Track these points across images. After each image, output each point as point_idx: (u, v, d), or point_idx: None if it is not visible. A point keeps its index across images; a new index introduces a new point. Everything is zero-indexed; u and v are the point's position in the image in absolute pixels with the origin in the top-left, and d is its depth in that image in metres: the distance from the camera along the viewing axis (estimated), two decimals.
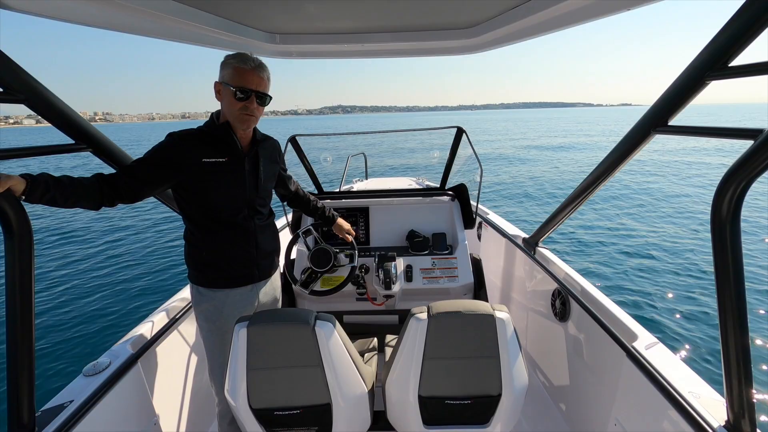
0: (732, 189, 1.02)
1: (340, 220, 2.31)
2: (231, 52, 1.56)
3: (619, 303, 1.97)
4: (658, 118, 1.38)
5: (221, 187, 1.61)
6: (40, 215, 11.08)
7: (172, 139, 1.55)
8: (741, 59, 1.07)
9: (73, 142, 1.49)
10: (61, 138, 1.48)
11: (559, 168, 20.70)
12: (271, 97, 1.62)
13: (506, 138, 42.78)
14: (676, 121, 1.34)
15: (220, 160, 1.59)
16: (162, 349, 1.87)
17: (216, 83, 1.57)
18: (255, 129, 1.71)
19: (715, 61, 1.10)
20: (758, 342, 4.78)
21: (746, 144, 0.98)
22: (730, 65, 1.08)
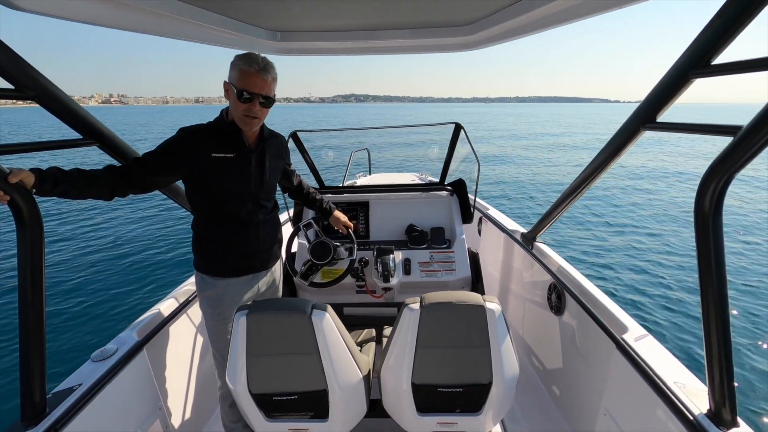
0: (713, 184, 1.05)
1: (337, 213, 2.37)
2: (233, 50, 1.60)
3: (612, 295, 2.02)
4: (646, 115, 1.41)
5: (227, 182, 1.66)
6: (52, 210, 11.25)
7: (184, 133, 1.61)
8: (724, 57, 1.10)
9: (80, 137, 1.55)
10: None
11: (561, 165, 20.71)
12: (275, 100, 1.66)
13: (512, 134, 42.58)
14: (663, 117, 1.37)
15: (228, 155, 1.64)
16: (167, 337, 1.94)
17: (225, 82, 1.62)
18: (263, 127, 1.76)
19: (699, 60, 1.13)
20: (739, 333, 4.92)
21: (727, 140, 1.02)
22: (712, 63, 1.11)
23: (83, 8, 1.33)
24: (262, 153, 1.76)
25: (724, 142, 1.03)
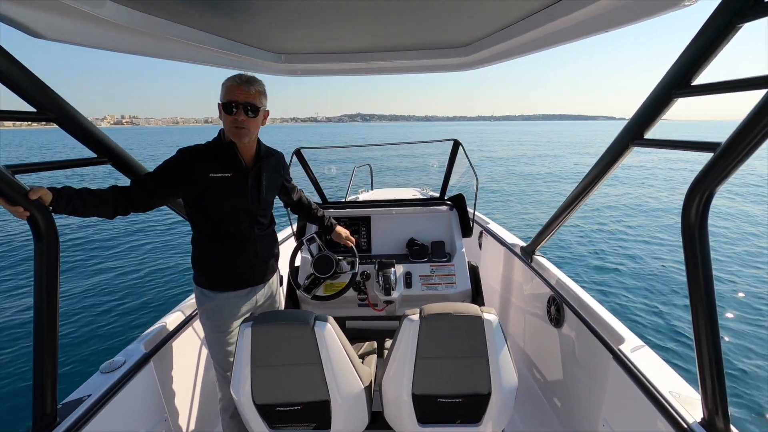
0: (698, 198, 1.10)
1: (339, 228, 2.42)
2: (241, 72, 1.69)
3: (609, 306, 2.05)
4: (635, 132, 1.47)
5: (225, 200, 1.72)
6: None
7: (182, 155, 1.67)
8: (704, 78, 1.16)
9: (95, 155, 1.62)
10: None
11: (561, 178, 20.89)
12: (259, 109, 1.68)
13: (515, 152, 42.86)
14: (650, 134, 1.43)
15: (226, 175, 1.70)
16: (173, 349, 1.98)
17: (218, 104, 1.70)
18: (260, 144, 1.82)
19: (680, 80, 1.19)
20: (728, 340, 4.97)
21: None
22: (693, 84, 1.17)
23: (100, 36, 1.42)
24: (259, 171, 1.80)
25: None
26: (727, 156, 1.00)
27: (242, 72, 1.68)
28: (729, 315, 5.58)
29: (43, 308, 1.27)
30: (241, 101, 1.62)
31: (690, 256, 1.15)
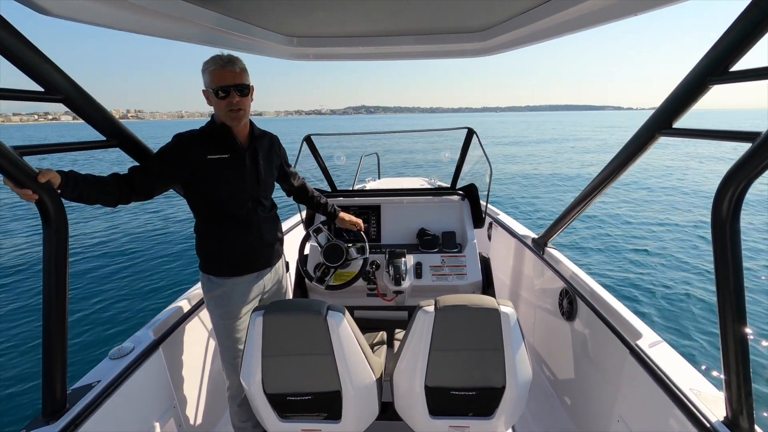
0: (731, 190, 1.05)
1: (342, 214, 2.39)
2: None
3: (625, 300, 2.01)
4: (662, 121, 1.41)
5: (225, 182, 1.71)
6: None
7: (179, 139, 1.66)
8: (742, 64, 1.10)
9: (104, 138, 1.59)
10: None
11: (572, 169, 20.66)
12: (250, 87, 1.68)
13: (520, 140, 42.50)
14: (680, 124, 1.37)
15: (224, 156, 1.69)
16: (182, 336, 1.97)
17: (203, 91, 1.67)
18: (252, 125, 1.80)
19: (717, 66, 1.13)
20: (757, 339, 4.85)
21: (746, 146, 1.02)
22: (731, 70, 1.11)
23: (108, 14, 1.37)
24: (255, 151, 1.79)
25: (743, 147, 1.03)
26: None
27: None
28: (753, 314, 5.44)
29: (52, 293, 1.25)
30: (231, 83, 1.60)
31: (720, 251, 1.11)
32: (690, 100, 1.27)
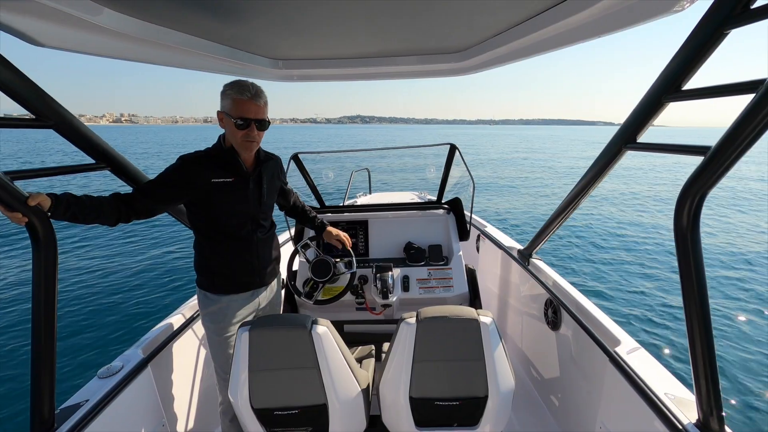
0: (689, 202, 1.11)
1: (329, 228, 2.42)
2: (239, 77, 1.70)
3: (606, 309, 2.07)
4: (628, 136, 1.48)
5: (228, 205, 1.74)
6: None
7: (184, 162, 1.69)
8: (695, 83, 1.18)
9: (93, 161, 1.63)
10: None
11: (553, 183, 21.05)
12: (269, 122, 1.73)
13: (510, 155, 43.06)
14: (643, 138, 1.45)
15: (228, 180, 1.73)
16: (171, 354, 1.98)
17: (218, 112, 1.70)
18: (259, 150, 1.84)
19: (670, 85, 1.21)
20: (723, 342, 4.98)
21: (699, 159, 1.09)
22: (683, 88, 1.19)
23: (99, 44, 1.44)
24: (259, 175, 1.84)
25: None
26: (717, 159, 1.02)
27: (241, 78, 1.70)
28: (722, 316, 5.60)
29: (41, 314, 1.28)
30: (254, 117, 1.64)
31: (683, 258, 1.16)
32: (649, 115, 1.35)
